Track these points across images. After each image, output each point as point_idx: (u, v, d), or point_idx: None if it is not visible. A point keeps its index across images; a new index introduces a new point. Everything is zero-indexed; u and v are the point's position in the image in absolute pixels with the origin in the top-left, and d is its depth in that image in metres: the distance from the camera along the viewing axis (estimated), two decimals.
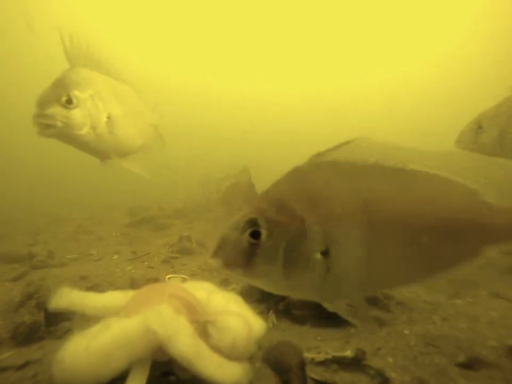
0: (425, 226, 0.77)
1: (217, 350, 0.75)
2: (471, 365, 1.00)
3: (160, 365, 0.82)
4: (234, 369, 0.72)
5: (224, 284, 1.77)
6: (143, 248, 2.78)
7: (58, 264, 2.40)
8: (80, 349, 0.70)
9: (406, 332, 1.21)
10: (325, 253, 0.71)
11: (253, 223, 0.68)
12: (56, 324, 1.30)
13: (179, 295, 0.85)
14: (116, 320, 0.78)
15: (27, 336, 1.22)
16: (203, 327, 0.80)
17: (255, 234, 0.68)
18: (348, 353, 1.02)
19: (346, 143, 0.76)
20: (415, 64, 16.68)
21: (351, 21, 16.55)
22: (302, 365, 0.93)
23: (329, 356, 1.02)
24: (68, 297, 0.89)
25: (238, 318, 0.83)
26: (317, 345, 1.12)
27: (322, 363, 1.00)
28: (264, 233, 0.68)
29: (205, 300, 0.92)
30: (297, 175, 0.76)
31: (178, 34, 17.47)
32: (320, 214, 0.71)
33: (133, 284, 1.76)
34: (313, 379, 0.92)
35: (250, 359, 0.99)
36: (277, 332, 1.23)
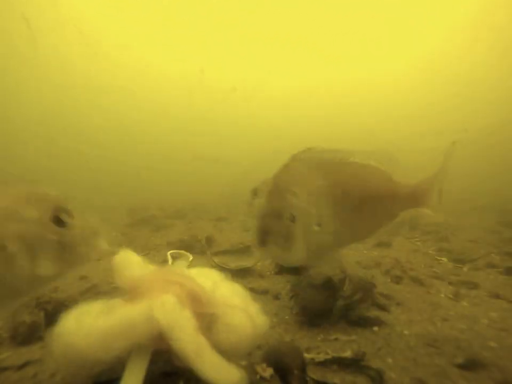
0: (364, 200, 1.11)
1: (219, 345, 0.75)
2: (470, 366, 1.00)
3: (159, 366, 0.82)
4: (231, 373, 0.71)
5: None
6: (142, 248, 2.78)
7: None
8: (83, 327, 0.71)
9: (406, 332, 1.22)
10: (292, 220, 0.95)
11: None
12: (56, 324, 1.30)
13: (185, 284, 0.84)
14: (120, 305, 0.78)
15: (27, 336, 1.22)
16: (207, 321, 0.80)
17: None
18: (348, 353, 1.02)
19: (308, 149, 1.08)
20: (408, 61, 16.58)
21: (347, 17, 16.30)
22: (303, 365, 0.93)
23: (329, 357, 1.02)
24: (132, 260, 1.00)
25: (243, 314, 0.83)
26: (317, 345, 1.12)
27: (322, 363, 1.00)
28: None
29: (210, 289, 0.90)
30: (295, 165, 1.06)
31: (172, 23, 17.14)
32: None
33: None
34: (313, 380, 0.92)
35: (251, 358, 0.99)
36: (277, 332, 1.23)
